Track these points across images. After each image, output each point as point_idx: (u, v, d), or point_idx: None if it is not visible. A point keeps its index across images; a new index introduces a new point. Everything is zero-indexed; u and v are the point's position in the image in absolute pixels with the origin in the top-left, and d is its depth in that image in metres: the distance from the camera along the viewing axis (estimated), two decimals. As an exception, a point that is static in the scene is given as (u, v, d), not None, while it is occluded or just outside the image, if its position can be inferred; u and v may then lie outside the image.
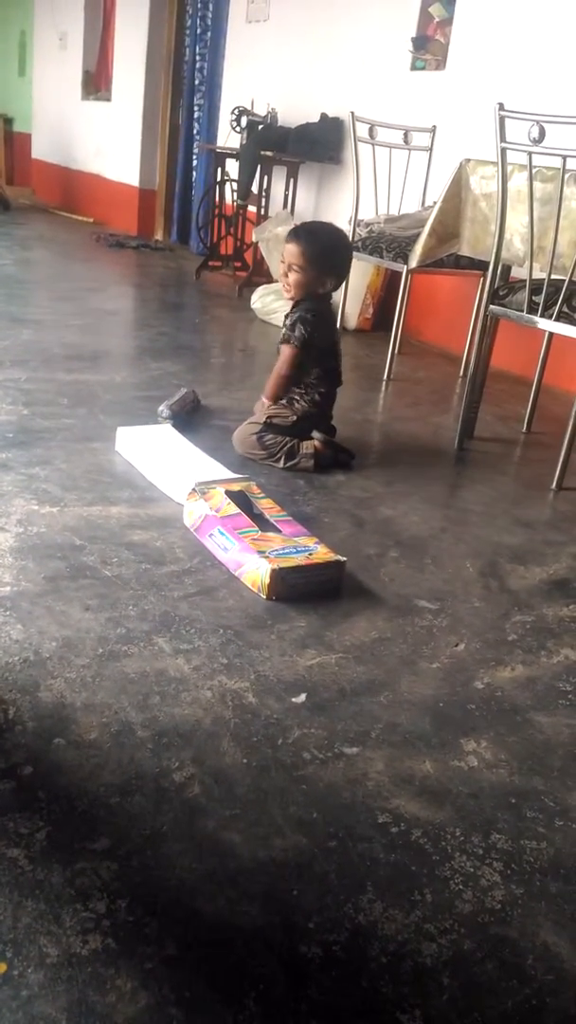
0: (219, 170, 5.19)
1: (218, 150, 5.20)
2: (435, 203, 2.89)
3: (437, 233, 2.88)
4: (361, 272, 3.99)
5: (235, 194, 4.98)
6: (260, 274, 4.77)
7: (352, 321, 4.20)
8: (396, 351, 3.45)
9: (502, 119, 2.27)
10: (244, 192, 4.86)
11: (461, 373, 3.54)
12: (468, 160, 2.74)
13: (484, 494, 2.30)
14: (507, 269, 2.67)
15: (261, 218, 4.86)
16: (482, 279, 3.16)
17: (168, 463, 2.09)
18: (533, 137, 2.18)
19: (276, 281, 4.31)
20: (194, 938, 0.90)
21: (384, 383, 3.35)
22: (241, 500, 1.85)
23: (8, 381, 2.68)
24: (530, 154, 2.23)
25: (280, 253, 3.90)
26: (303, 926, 0.93)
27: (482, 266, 3.03)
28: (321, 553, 1.68)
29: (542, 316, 2.33)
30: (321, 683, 1.36)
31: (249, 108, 4.90)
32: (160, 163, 6.83)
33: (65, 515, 1.82)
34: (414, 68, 4.13)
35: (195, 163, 6.40)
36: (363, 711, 1.31)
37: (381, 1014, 0.85)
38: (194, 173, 6.43)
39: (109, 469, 2.10)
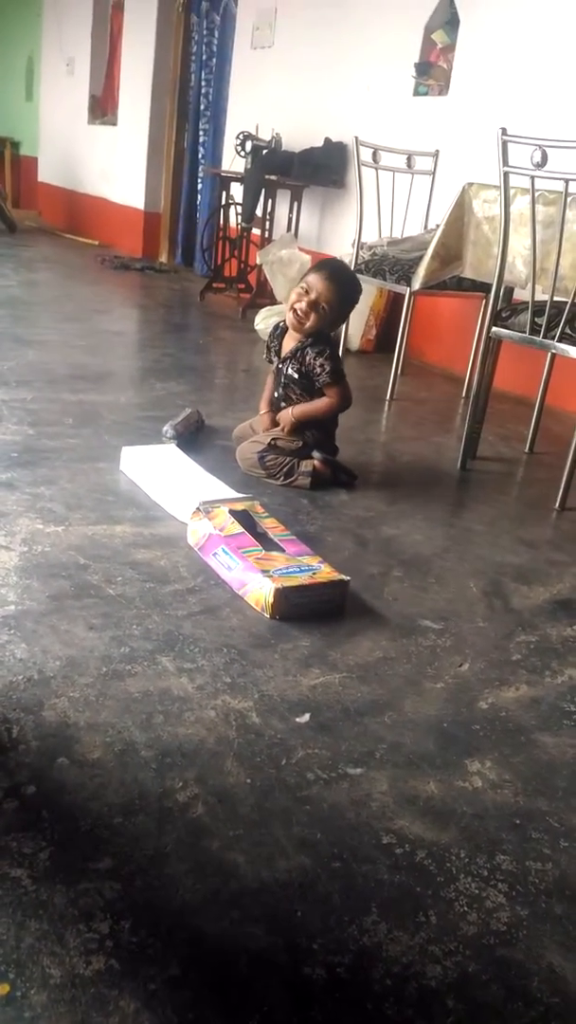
0: (224, 193, 5.25)
1: (223, 174, 5.26)
2: (438, 226, 2.92)
3: (440, 256, 2.91)
4: (364, 294, 4.00)
5: (239, 217, 5.04)
6: (263, 296, 4.81)
7: (355, 342, 4.23)
8: (399, 372, 3.47)
9: (505, 143, 2.30)
10: (248, 215, 4.91)
11: (464, 394, 3.56)
12: (471, 184, 2.77)
13: (487, 514, 2.30)
14: (509, 291, 2.69)
15: (265, 241, 4.91)
16: (484, 301, 3.18)
17: (172, 482, 2.10)
18: (536, 161, 2.20)
19: (279, 303, 4.35)
20: (198, 959, 0.90)
21: (387, 403, 3.37)
22: (245, 519, 1.86)
23: (14, 401, 2.70)
24: (532, 178, 2.25)
25: (285, 273, 3.93)
26: (307, 947, 0.93)
27: (484, 288, 3.06)
28: (324, 572, 1.68)
29: (544, 337, 2.34)
30: (325, 703, 1.36)
31: (254, 133, 4.96)
32: (165, 186, 6.91)
33: (70, 534, 1.83)
34: (417, 93, 4.18)
35: (200, 186, 6.47)
36: (367, 731, 1.31)
37: (386, 1037, 0.85)
38: (199, 196, 6.50)
39: (113, 488, 2.11)
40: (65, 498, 2.01)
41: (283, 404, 2.40)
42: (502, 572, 1.94)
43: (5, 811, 1.05)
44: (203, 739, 1.23)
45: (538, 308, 2.36)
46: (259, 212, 4.94)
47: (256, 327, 4.30)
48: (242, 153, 4.94)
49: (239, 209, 5.03)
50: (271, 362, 2.44)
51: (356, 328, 4.19)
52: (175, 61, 6.55)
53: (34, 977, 0.85)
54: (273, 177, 4.74)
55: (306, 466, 2.29)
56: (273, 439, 2.33)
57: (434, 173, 3.76)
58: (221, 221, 5.30)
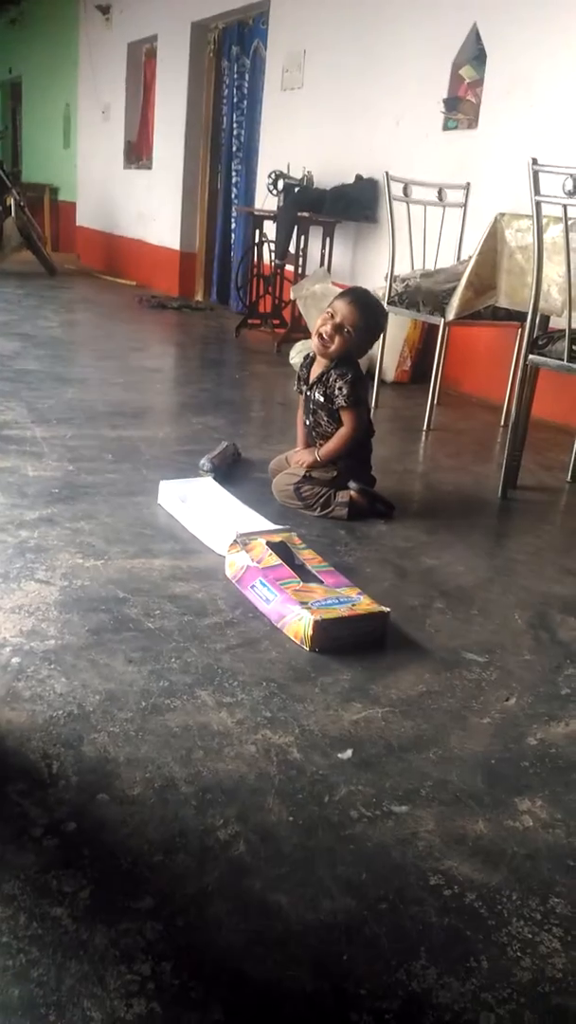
0: (257, 232, 5.32)
1: (256, 212, 5.34)
2: (471, 257, 2.92)
3: (474, 286, 2.90)
4: (399, 325, 4.03)
5: (273, 254, 5.10)
6: (298, 330, 4.84)
7: (390, 374, 4.23)
8: (435, 402, 3.45)
9: (536, 173, 2.30)
10: (282, 252, 4.97)
11: (502, 422, 3.53)
12: (503, 214, 2.77)
13: (530, 543, 2.26)
14: (545, 319, 2.67)
15: (298, 276, 4.96)
16: (520, 329, 3.17)
17: (210, 515, 2.10)
18: (568, 189, 2.20)
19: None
20: (241, 1003, 0.87)
21: (424, 434, 3.35)
22: (283, 551, 1.84)
23: (54, 438, 2.73)
24: (565, 206, 2.25)
25: (319, 307, 3.95)
26: (354, 992, 0.89)
27: (519, 317, 3.05)
28: (364, 604, 1.66)
29: (583, 364, 2.31)
30: (367, 738, 1.33)
31: (285, 172, 5.03)
32: (200, 226, 7.04)
33: (109, 568, 1.83)
34: (446, 128, 4.22)
35: (233, 226, 6.58)
36: (412, 768, 1.27)
37: None
38: (232, 235, 6.60)
39: (152, 522, 2.12)
40: (104, 532, 2.02)
41: (314, 433, 2.39)
42: (548, 603, 1.90)
43: (45, 848, 1.04)
44: (244, 775, 1.21)
45: (575, 336, 2.34)
46: (292, 249, 5.00)
47: (291, 361, 4.33)
48: (274, 192, 5.01)
49: (272, 246, 5.09)
50: (300, 392, 2.45)
51: (391, 359, 4.19)
52: (207, 104, 6.71)
53: (75, 1020, 0.83)
54: (305, 214, 4.80)
55: (343, 497, 2.28)
56: (308, 470, 2.32)
57: (465, 205, 3.78)
58: (255, 259, 5.37)
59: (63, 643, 1.51)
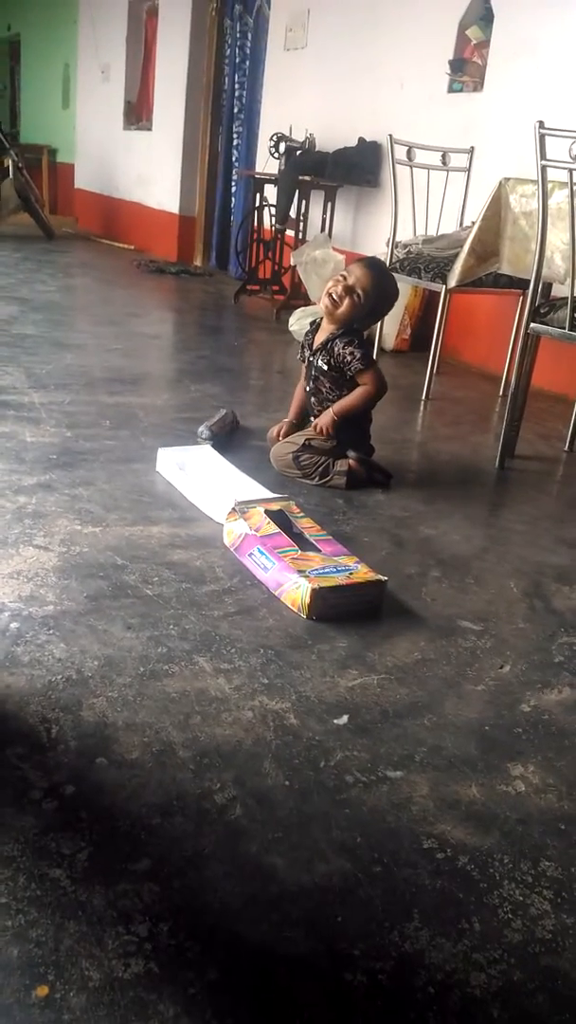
0: (258, 196, 5.25)
1: (257, 176, 5.27)
2: (474, 223, 2.89)
3: (476, 252, 2.87)
4: (400, 293, 3.99)
5: (273, 219, 5.03)
6: (298, 297, 4.80)
7: (390, 342, 4.20)
8: (434, 371, 3.44)
9: (542, 136, 2.26)
10: (282, 217, 4.91)
11: (500, 392, 3.51)
12: (507, 179, 2.73)
13: (527, 513, 2.26)
14: (548, 287, 2.65)
15: (299, 242, 4.90)
16: (522, 297, 3.14)
17: (208, 483, 2.10)
18: (574, 154, 2.16)
19: (313, 304, 4.34)
20: (237, 964, 0.89)
21: (423, 403, 3.34)
22: (281, 519, 1.84)
23: (52, 404, 2.72)
24: (571, 171, 2.21)
25: (320, 273, 3.92)
26: (348, 953, 0.91)
27: (521, 284, 3.02)
28: (361, 573, 1.66)
29: (585, 333, 2.30)
30: (363, 704, 1.35)
31: (287, 134, 4.95)
32: (199, 190, 6.94)
33: (107, 535, 1.83)
34: (451, 90, 4.14)
35: (234, 189, 6.49)
36: (407, 734, 1.29)
37: (429, 1047, 0.83)
38: (233, 199, 6.52)
39: (150, 489, 2.12)
40: (103, 499, 2.02)
41: (313, 399, 2.38)
42: (543, 572, 1.91)
43: (44, 811, 1.05)
44: (241, 740, 1.22)
45: (578, 304, 2.32)
46: (293, 213, 4.93)
47: (290, 328, 4.29)
48: (276, 155, 4.94)
49: (273, 211, 5.03)
50: (303, 360, 2.43)
51: (391, 328, 4.16)
52: (209, 65, 6.58)
53: (73, 979, 0.85)
54: (307, 178, 4.73)
55: (341, 466, 2.28)
56: (308, 439, 2.32)
57: (469, 170, 3.72)
58: (255, 223, 5.31)
59: (62, 609, 1.52)
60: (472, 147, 3.72)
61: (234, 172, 6.42)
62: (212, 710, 1.28)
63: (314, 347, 2.36)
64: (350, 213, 4.95)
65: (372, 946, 0.92)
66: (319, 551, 1.76)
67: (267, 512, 1.84)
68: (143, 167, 7.55)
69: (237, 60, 6.21)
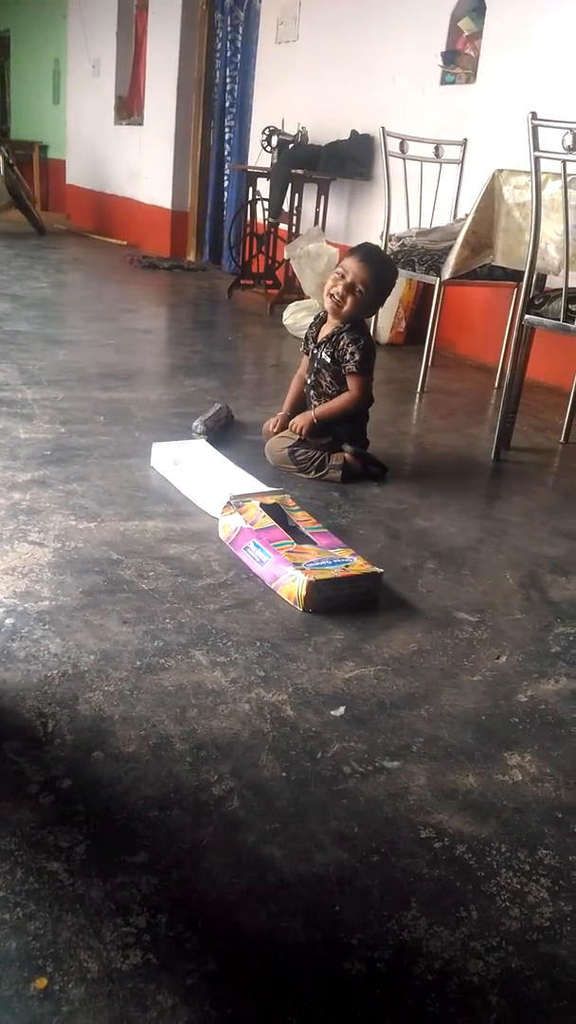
0: (250, 189, 5.24)
1: (249, 170, 5.25)
2: (467, 215, 2.88)
3: (470, 244, 2.87)
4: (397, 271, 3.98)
5: (266, 213, 5.02)
6: (291, 291, 4.79)
7: (384, 335, 4.20)
8: (429, 364, 3.43)
9: (535, 128, 2.26)
10: (275, 210, 4.90)
11: (496, 384, 3.51)
12: (501, 170, 2.73)
13: (522, 505, 2.27)
14: (542, 278, 2.65)
15: (292, 236, 4.89)
16: (516, 289, 3.14)
17: (203, 477, 2.09)
18: (567, 145, 2.16)
19: (308, 298, 4.33)
20: (236, 954, 0.89)
21: (418, 395, 3.33)
22: (276, 513, 1.84)
23: (45, 400, 2.71)
24: (564, 162, 2.21)
25: (313, 267, 3.90)
26: (346, 942, 0.91)
27: (516, 276, 3.02)
28: (357, 565, 1.66)
29: (578, 324, 2.30)
30: (360, 696, 1.35)
31: (279, 128, 4.94)
32: (192, 185, 6.92)
33: (102, 530, 1.83)
34: (444, 82, 4.14)
35: (226, 183, 6.47)
36: (403, 724, 1.29)
37: (428, 1034, 0.83)
38: (225, 193, 6.50)
39: (145, 484, 2.11)
40: (97, 494, 2.01)
41: (312, 392, 2.37)
42: (539, 563, 1.91)
43: (42, 805, 1.05)
44: (237, 732, 1.22)
45: (572, 295, 2.32)
46: (286, 207, 4.92)
47: (284, 322, 4.29)
48: (268, 148, 4.93)
49: (266, 205, 5.02)
50: (306, 352, 2.43)
51: (385, 321, 4.16)
52: (200, 58, 6.55)
53: (71, 971, 0.85)
54: (300, 171, 4.72)
55: (337, 459, 2.27)
56: (304, 435, 2.31)
57: (462, 162, 3.72)
58: (248, 217, 5.29)
59: (57, 604, 1.51)
60: (465, 139, 3.72)
61: (226, 166, 6.40)
62: (209, 703, 1.28)
63: (318, 340, 2.36)
64: (343, 206, 4.94)
65: (370, 935, 0.92)
66: (315, 544, 1.76)
67: (262, 506, 1.84)
68: (135, 162, 7.53)
69: (228, 54, 6.19)
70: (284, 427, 2.40)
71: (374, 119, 4.30)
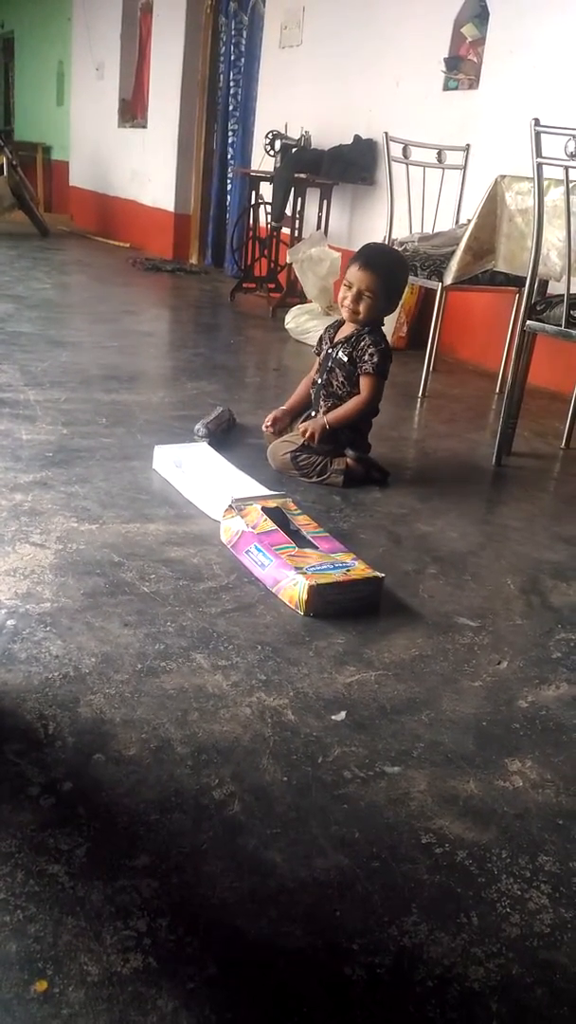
0: (253, 193, 5.24)
1: (252, 174, 5.26)
2: (470, 220, 2.89)
3: (472, 250, 2.87)
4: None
5: (269, 216, 5.03)
6: (294, 295, 4.80)
7: (387, 338, 4.19)
8: (431, 368, 3.44)
9: (538, 134, 2.27)
10: (278, 214, 4.90)
11: (497, 389, 3.52)
12: (503, 176, 2.73)
13: (524, 510, 2.27)
14: (544, 284, 2.65)
15: (295, 240, 4.90)
16: (518, 295, 3.15)
17: (204, 481, 2.10)
18: (570, 151, 2.17)
19: (310, 302, 4.34)
20: (236, 958, 0.89)
21: (419, 400, 3.34)
22: (278, 516, 1.84)
23: (48, 401, 2.71)
24: (567, 168, 2.22)
25: (316, 271, 3.91)
26: (347, 948, 0.91)
27: (518, 282, 3.02)
28: (359, 569, 1.66)
29: (581, 330, 2.30)
30: (361, 701, 1.35)
31: (283, 132, 4.95)
32: (195, 188, 6.93)
33: (104, 532, 1.83)
34: (447, 88, 4.14)
35: (229, 187, 6.48)
36: (404, 729, 1.29)
37: (428, 1040, 0.83)
38: (228, 197, 6.51)
39: (146, 487, 2.11)
40: (99, 496, 2.01)
41: (323, 392, 2.37)
42: (540, 569, 1.91)
43: (42, 807, 1.05)
44: (238, 736, 1.22)
45: (573, 301, 2.32)
46: (289, 211, 4.93)
47: (286, 326, 4.29)
48: (271, 152, 4.94)
49: (268, 208, 5.03)
50: (318, 353, 2.43)
51: (387, 325, 4.14)
52: (204, 62, 6.57)
53: (72, 974, 0.85)
54: (303, 175, 4.73)
55: (339, 464, 2.27)
56: (315, 442, 2.31)
57: (465, 167, 3.72)
58: (251, 221, 5.30)
59: (59, 606, 1.51)
60: (468, 145, 3.72)
61: (230, 170, 6.41)
62: (210, 706, 1.28)
63: (335, 340, 2.36)
64: (346, 211, 4.95)
65: (371, 940, 0.92)
66: (316, 548, 1.76)
67: (264, 509, 1.84)
68: (138, 164, 7.54)
69: (232, 57, 6.21)
70: (281, 421, 2.40)
71: (377, 124, 4.31)
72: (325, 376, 2.37)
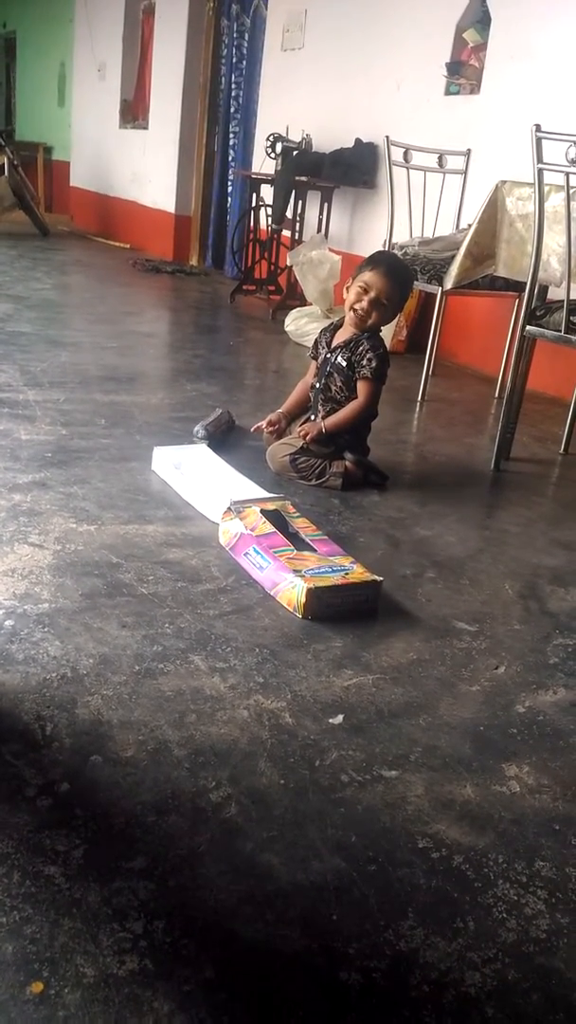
0: (254, 195, 5.25)
1: (253, 176, 5.27)
2: (470, 225, 2.89)
3: (473, 254, 2.88)
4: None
5: (270, 219, 5.04)
6: (294, 297, 4.80)
7: (386, 343, 4.19)
8: (430, 373, 3.44)
9: (539, 140, 2.27)
10: (279, 217, 4.91)
11: (496, 394, 3.52)
12: (504, 182, 2.74)
13: (522, 515, 2.27)
14: (544, 290, 2.65)
15: (295, 242, 4.91)
16: (518, 300, 3.15)
17: (203, 482, 2.10)
18: (571, 157, 2.17)
19: (310, 305, 4.34)
20: (232, 961, 0.89)
21: (418, 404, 3.34)
22: (276, 519, 1.84)
23: (47, 402, 2.71)
24: (567, 174, 2.22)
25: (316, 274, 3.91)
26: (343, 951, 0.91)
27: (517, 287, 3.03)
28: (357, 573, 1.67)
29: (580, 336, 2.31)
30: (358, 704, 1.35)
31: (284, 134, 4.95)
32: (196, 189, 6.93)
33: (102, 533, 1.83)
34: (448, 93, 4.15)
35: (230, 189, 6.49)
36: (401, 733, 1.29)
37: (424, 1045, 0.83)
38: (229, 199, 6.51)
39: (145, 488, 2.11)
40: (98, 497, 2.01)
41: (321, 397, 2.38)
42: (538, 574, 1.91)
43: (39, 808, 1.05)
44: (236, 739, 1.22)
45: (573, 306, 2.33)
46: (289, 213, 4.93)
47: (286, 328, 4.30)
48: (272, 155, 4.94)
49: (269, 211, 5.03)
50: (314, 357, 2.44)
51: (387, 329, 4.13)
52: (205, 64, 6.58)
53: (68, 976, 0.85)
54: (303, 178, 4.73)
55: (338, 467, 2.28)
56: (311, 444, 2.31)
57: (466, 172, 3.73)
58: (251, 223, 5.31)
59: (57, 607, 1.51)
60: (469, 149, 3.73)
61: (230, 172, 6.41)
62: (207, 709, 1.28)
63: (333, 344, 2.36)
64: (346, 214, 4.95)
65: (367, 945, 0.92)
66: (315, 551, 1.76)
67: (263, 512, 1.84)
68: (139, 166, 7.55)
69: (234, 60, 6.21)
70: (277, 424, 2.40)
71: (378, 128, 4.31)
72: (323, 381, 2.37)
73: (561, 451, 2.88)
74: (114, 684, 1.31)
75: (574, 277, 2.34)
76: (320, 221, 4.84)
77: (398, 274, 2.30)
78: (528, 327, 2.47)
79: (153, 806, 1.08)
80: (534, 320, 2.47)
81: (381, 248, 3.55)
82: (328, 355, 2.36)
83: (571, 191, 2.25)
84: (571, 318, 2.33)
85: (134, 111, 7.84)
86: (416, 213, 3.59)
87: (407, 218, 3.57)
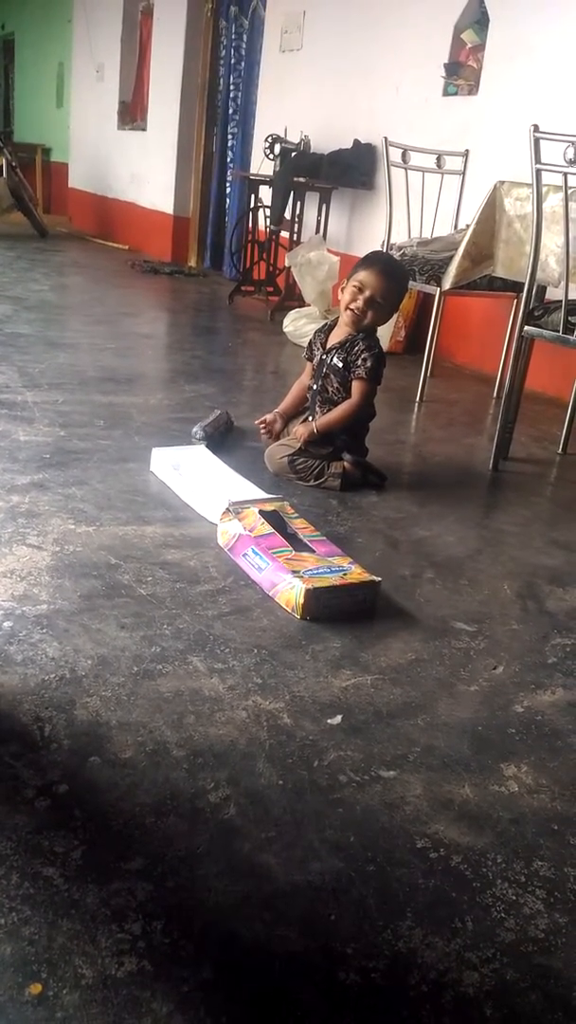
0: (252, 197, 5.25)
1: (251, 177, 5.27)
2: (468, 226, 2.89)
3: (471, 255, 2.88)
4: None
5: (268, 220, 5.04)
6: (292, 298, 4.80)
7: (384, 344, 4.16)
8: (429, 373, 3.44)
9: (537, 140, 2.27)
10: (277, 218, 4.91)
11: (495, 394, 3.52)
12: (502, 182, 2.74)
13: (520, 515, 2.27)
14: (542, 290, 2.66)
15: (294, 243, 4.91)
16: (516, 300, 3.16)
17: (202, 483, 2.10)
18: (569, 158, 2.18)
19: (308, 305, 4.35)
20: (231, 962, 0.89)
21: (416, 405, 3.34)
22: (275, 520, 1.85)
23: (45, 403, 2.71)
24: (566, 175, 2.22)
25: (314, 275, 3.91)
26: (341, 952, 0.91)
27: (516, 288, 3.03)
28: (355, 573, 1.67)
29: (578, 336, 2.31)
30: (357, 705, 1.35)
31: (282, 136, 4.96)
32: (194, 190, 6.94)
33: (101, 534, 1.83)
34: (447, 93, 4.16)
35: (228, 190, 6.49)
36: (400, 734, 1.29)
37: (422, 1045, 0.83)
38: (227, 200, 6.52)
39: (144, 489, 2.11)
40: (96, 499, 2.01)
41: (319, 398, 2.38)
42: (536, 574, 1.91)
43: (37, 809, 1.05)
44: (234, 740, 1.22)
45: (572, 307, 2.33)
46: (288, 214, 4.94)
47: (284, 329, 4.30)
48: (271, 156, 4.94)
49: (268, 212, 5.03)
50: (309, 358, 2.44)
51: (385, 329, 4.13)
52: (204, 66, 6.58)
53: (66, 977, 0.85)
54: (302, 179, 4.73)
55: (336, 468, 2.28)
56: (305, 445, 2.31)
57: (464, 173, 3.73)
58: (250, 224, 5.31)
59: (55, 608, 1.51)
60: (467, 150, 3.73)
61: (229, 173, 6.42)
62: (206, 710, 1.28)
63: (328, 345, 2.36)
64: (345, 215, 4.95)
65: (365, 945, 0.92)
66: (313, 552, 1.76)
67: (261, 512, 1.84)
68: (137, 167, 7.55)
69: (232, 61, 6.22)
70: (274, 424, 2.41)
71: (376, 129, 4.32)
72: (320, 383, 2.37)
73: (559, 451, 2.88)
74: (112, 685, 1.31)
75: (572, 277, 2.34)
76: (318, 222, 4.84)
77: (394, 273, 2.30)
78: (526, 327, 2.48)
79: (151, 807, 1.08)
80: (532, 320, 2.47)
81: (380, 247, 3.55)
82: (324, 356, 2.36)
83: (569, 191, 2.26)
84: (569, 318, 2.33)
85: (132, 112, 7.84)
86: (414, 214, 3.59)
87: (405, 219, 3.57)
